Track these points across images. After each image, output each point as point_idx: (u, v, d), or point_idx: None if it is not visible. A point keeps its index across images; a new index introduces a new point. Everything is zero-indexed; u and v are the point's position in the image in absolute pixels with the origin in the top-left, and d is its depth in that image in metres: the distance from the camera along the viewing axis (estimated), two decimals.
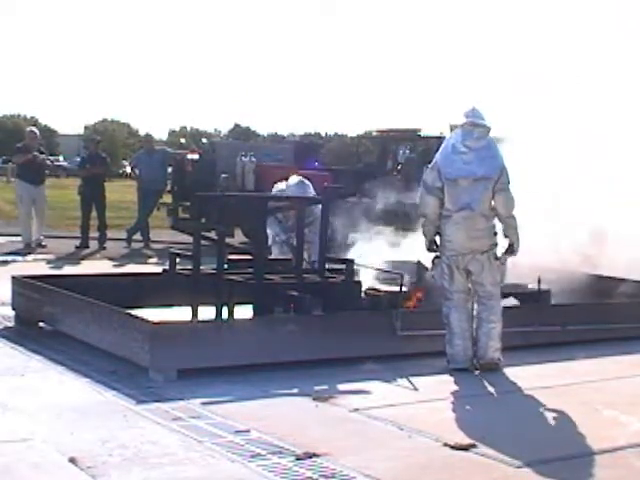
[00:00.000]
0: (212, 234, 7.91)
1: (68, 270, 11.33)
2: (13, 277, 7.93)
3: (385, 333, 6.72)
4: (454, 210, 6.46)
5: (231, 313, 6.93)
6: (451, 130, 6.93)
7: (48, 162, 15.54)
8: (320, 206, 7.76)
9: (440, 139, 17.70)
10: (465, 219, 6.45)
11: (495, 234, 6.57)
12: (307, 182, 8.91)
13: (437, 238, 6.66)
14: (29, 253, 13.53)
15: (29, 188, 14.26)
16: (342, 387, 5.85)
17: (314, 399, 5.50)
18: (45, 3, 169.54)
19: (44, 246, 14.14)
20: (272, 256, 8.43)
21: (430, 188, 6.54)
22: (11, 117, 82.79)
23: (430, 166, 6.66)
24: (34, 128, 15.91)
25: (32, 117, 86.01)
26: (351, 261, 7.44)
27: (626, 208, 8.83)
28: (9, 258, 12.71)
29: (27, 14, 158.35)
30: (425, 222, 6.63)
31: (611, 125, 9.95)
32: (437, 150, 20.20)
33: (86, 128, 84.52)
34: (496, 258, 6.56)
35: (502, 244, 6.65)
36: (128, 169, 37.87)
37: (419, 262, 8.32)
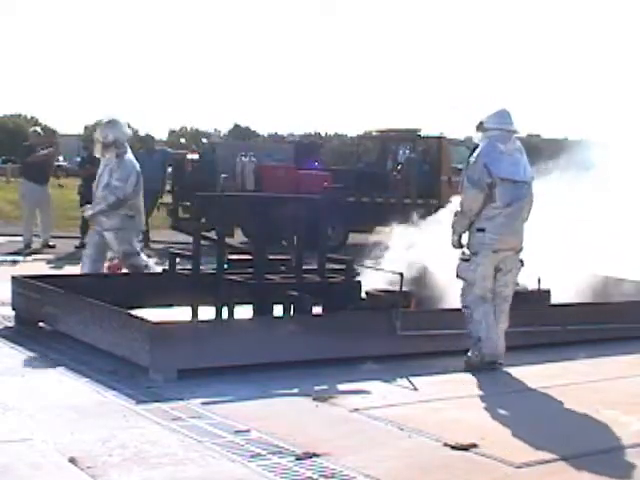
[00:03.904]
0: (212, 234, 7.91)
1: (68, 270, 11.30)
2: (13, 277, 7.92)
3: (385, 333, 6.72)
4: (502, 207, 6.52)
5: (231, 313, 6.93)
6: (478, 130, 6.78)
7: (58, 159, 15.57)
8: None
9: (440, 139, 17.92)
10: (511, 217, 6.54)
11: None
12: (119, 120, 8.72)
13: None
14: (32, 253, 13.51)
15: (33, 187, 14.25)
16: (342, 387, 5.84)
17: (314, 399, 5.50)
18: (45, 3, 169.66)
19: (52, 246, 14.14)
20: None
21: (477, 183, 6.53)
22: (11, 117, 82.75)
23: (473, 162, 6.61)
24: (37, 128, 15.98)
25: (32, 117, 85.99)
26: (351, 261, 7.44)
27: None
28: (9, 258, 12.70)
29: (27, 14, 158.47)
30: (462, 216, 6.61)
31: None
32: (437, 150, 20.25)
33: (86, 128, 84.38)
34: (520, 260, 6.71)
35: None
36: None
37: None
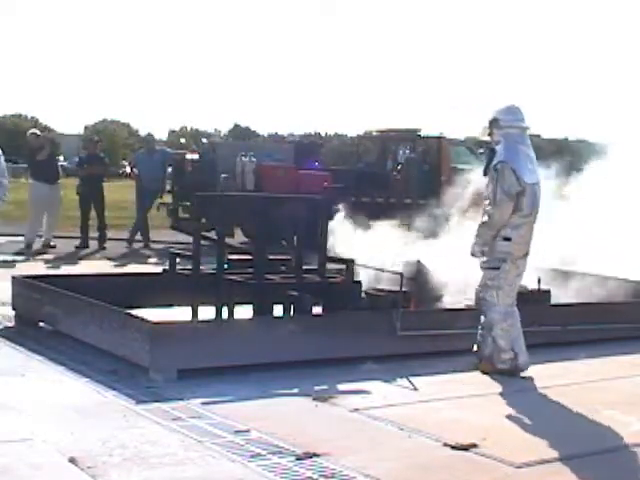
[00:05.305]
0: (212, 234, 7.91)
1: (68, 270, 11.32)
2: (13, 277, 7.92)
3: (385, 333, 6.72)
4: (528, 213, 6.43)
5: (231, 313, 6.93)
6: (490, 132, 6.54)
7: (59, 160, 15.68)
8: None
9: (440, 139, 17.91)
10: (532, 224, 6.49)
11: None
12: None
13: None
14: (32, 254, 13.50)
15: (44, 187, 14.27)
16: (342, 387, 5.85)
17: (314, 399, 5.50)
18: (45, 3, 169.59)
19: (53, 246, 14.15)
20: None
21: (509, 194, 6.34)
22: (11, 117, 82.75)
23: (501, 171, 6.33)
24: (35, 130, 16.07)
25: (32, 117, 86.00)
26: (351, 261, 7.43)
27: None
28: (9, 258, 12.70)
29: (27, 14, 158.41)
30: (490, 228, 6.40)
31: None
32: (437, 150, 20.06)
33: (86, 128, 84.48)
34: None
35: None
36: (128, 169, 37.93)
37: (419, 262, 8.32)
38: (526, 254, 6.55)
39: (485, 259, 6.55)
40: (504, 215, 6.38)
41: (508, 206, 6.37)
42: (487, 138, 6.65)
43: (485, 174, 6.59)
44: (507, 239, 6.42)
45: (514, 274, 6.52)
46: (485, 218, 6.46)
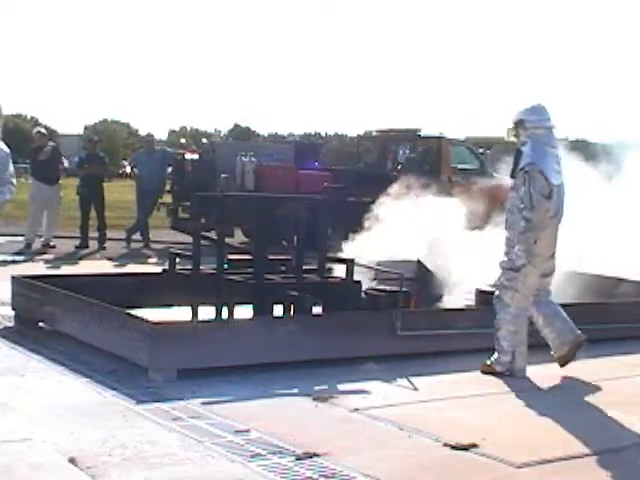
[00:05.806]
0: (212, 234, 7.91)
1: (67, 270, 11.32)
2: (13, 277, 7.92)
3: (385, 333, 6.72)
4: (554, 215, 6.38)
5: (231, 313, 6.93)
6: (516, 133, 6.47)
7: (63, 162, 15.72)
8: None
9: (440, 139, 17.91)
10: (558, 225, 6.45)
11: None
12: None
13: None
14: (32, 254, 13.50)
15: (43, 188, 14.28)
16: (342, 387, 5.85)
17: (314, 399, 5.50)
18: (45, 3, 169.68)
19: (53, 246, 14.16)
20: None
21: (542, 194, 6.28)
22: (12, 117, 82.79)
23: (532, 173, 6.26)
24: (41, 129, 16.10)
25: (32, 117, 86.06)
26: (351, 261, 7.43)
27: None
28: (9, 258, 12.70)
29: (27, 14, 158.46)
30: (533, 232, 6.30)
31: None
32: (437, 150, 20.05)
33: (86, 128, 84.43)
34: None
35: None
36: (128, 169, 37.93)
37: (419, 261, 8.33)
38: (552, 255, 6.53)
39: (506, 259, 6.46)
40: (541, 216, 6.31)
41: (545, 207, 6.30)
42: (513, 139, 6.61)
43: (512, 176, 6.51)
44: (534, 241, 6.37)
45: (536, 275, 6.47)
46: (523, 223, 6.31)
